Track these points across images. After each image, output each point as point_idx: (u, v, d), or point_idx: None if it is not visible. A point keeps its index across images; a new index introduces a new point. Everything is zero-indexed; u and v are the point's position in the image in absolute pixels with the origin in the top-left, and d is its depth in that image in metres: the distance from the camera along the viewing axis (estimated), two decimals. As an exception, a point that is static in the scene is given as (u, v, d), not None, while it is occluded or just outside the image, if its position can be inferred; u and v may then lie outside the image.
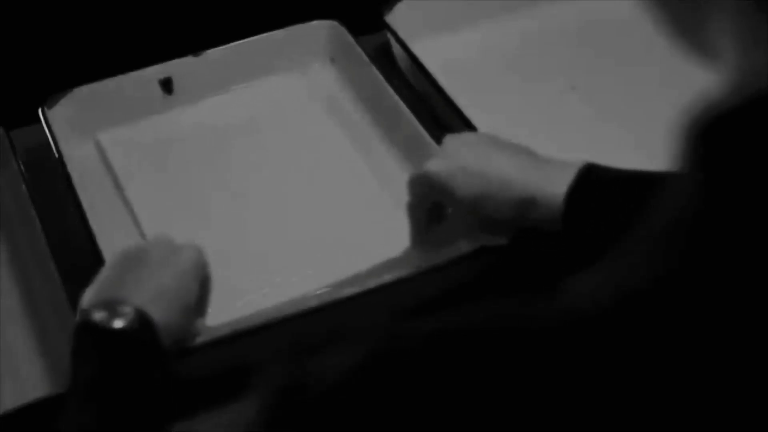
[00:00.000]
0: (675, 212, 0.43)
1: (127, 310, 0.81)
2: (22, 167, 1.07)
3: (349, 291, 0.96)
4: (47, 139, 1.09)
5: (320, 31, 1.23)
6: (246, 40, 1.22)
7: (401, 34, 1.21)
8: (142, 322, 0.81)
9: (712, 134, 0.42)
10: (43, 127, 1.10)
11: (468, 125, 1.11)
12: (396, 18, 1.22)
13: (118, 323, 0.80)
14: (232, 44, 1.22)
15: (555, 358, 0.42)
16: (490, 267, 1.02)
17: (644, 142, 1.04)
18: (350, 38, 1.21)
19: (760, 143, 0.41)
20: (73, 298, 0.93)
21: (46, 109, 1.12)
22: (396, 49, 1.23)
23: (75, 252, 1.02)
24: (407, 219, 0.98)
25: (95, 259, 0.97)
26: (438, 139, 1.09)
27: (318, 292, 0.98)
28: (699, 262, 0.41)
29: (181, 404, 0.93)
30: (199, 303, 0.90)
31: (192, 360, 0.93)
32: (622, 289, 0.43)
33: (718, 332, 0.41)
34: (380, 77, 1.16)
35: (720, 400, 0.40)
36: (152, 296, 0.83)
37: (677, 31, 0.49)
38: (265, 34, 1.23)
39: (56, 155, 1.07)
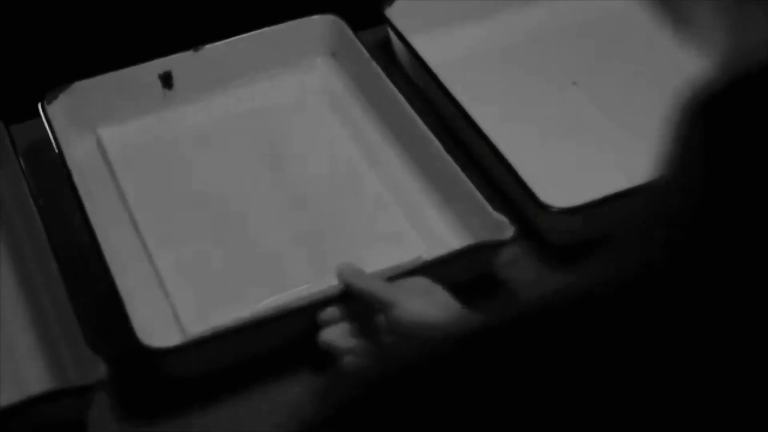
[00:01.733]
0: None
1: None
2: (21, 162, 1.07)
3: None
4: (47, 133, 1.09)
5: (320, 25, 1.23)
6: (246, 34, 1.22)
7: (401, 28, 1.21)
8: None
9: (705, 114, 0.43)
10: (42, 122, 1.10)
11: (468, 120, 1.11)
12: (396, 13, 1.22)
13: None
14: (232, 39, 1.21)
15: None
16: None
17: (646, 137, 1.04)
18: (350, 33, 1.21)
19: (754, 120, 0.41)
20: (73, 292, 0.94)
21: (45, 103, 1.11)
22: (396, 43, 1.23)
23: (75, 246, 1.03)
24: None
25: (95, 254, 0.97)
26: (438, 134, 1.09)
27: (317, 288, 0.98)
28: (702, 244, 0.41)
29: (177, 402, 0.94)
30: None
31: (192, 357, 0.93)
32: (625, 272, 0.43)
33: (713, 322, 0.41)
34: (380, 72, 1.16)
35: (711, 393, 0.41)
36: None
37: (670, 19, 0.49)
38: (265, 29, 1.22)
39: (56, 150, 1.07)
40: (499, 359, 0.43)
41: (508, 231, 0.99)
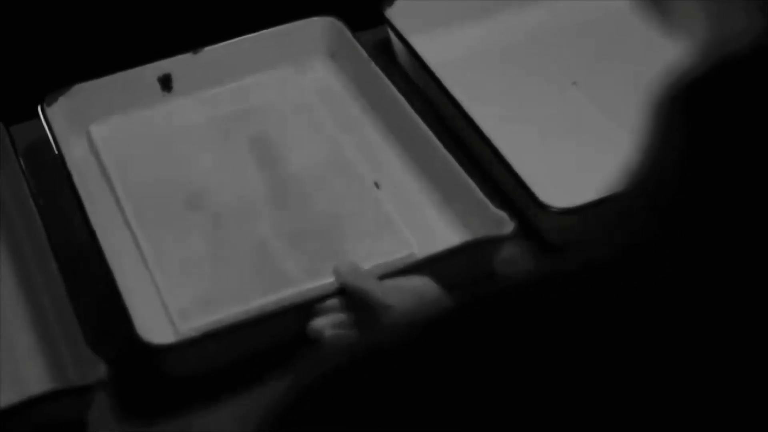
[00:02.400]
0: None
1: None
2: (21, 162, 1.07)
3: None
4: (47, 134, 1.09)
5: (319, 27, 1.23)
6: (245, 36, 1.22)
7: (401, 29, 1.21)
8: None
9: (686, 100, 0.43)
10: (42, 123, 1.10)
11: (468, 120, 1.11)
12: (396, 13, 1.22)
13: None
14: (231, 41, 1.22)
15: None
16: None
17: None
18: (349, 34, 1.21)
19: (734, 105, 0.41)
20: (73, 291, 0.94)
21: (45, 105, 1.11)
22: (396, 44, 1.23)
23: (74, 246, 1.03)
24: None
25: (95, 254, 0.97)
26: (438, 134, 1.09)
27: (315, 285, 0.98)
28: (683, 227, 0.41)
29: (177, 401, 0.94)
30: None
31: (191, 355, 0.93)
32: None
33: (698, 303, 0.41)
34: (380, 72, 1.16)
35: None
36: None
37: (655, 13, 0.50)
38: (264, 31, 1.23)
39: (56, 151, 1.07)
40: (462, 340, 0.43)
41: (508, 227, 0.99)
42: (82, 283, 0.99)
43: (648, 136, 0.44)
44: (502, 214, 1.00)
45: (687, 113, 0.43)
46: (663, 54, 1.23)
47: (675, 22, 0.48)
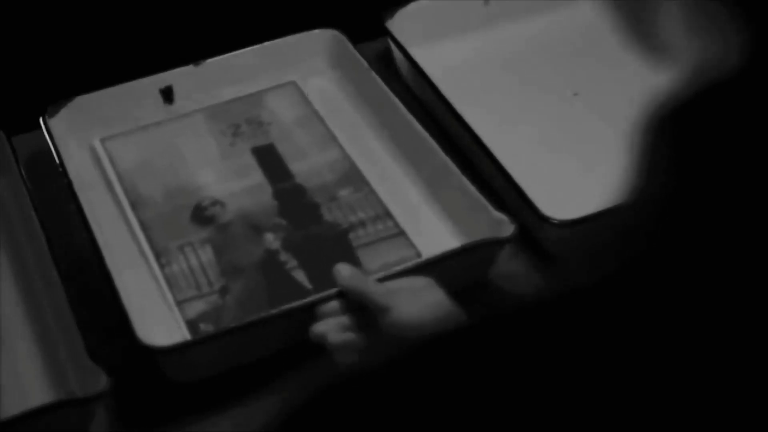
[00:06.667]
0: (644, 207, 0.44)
1: None
2: (23, 172, 1.07)
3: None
4: (48, 145, 1.09)
5: (321, 39, 1.24)
6: (247, 48, 1.23)
7: (402, 40, 1.21)
8: None
9: (673, 123, 0.43)
10: (44, 133, 1.10)
11: (468, 131, 1.11)
12: (397, 25, 1.23)
13: None
14: (232, 53, 1.22)
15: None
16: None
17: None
18: (350, 46, 1.22)
19: (720, 130, 0.42)
20: (74, 300, 0.94)
21: (47, 116, 1.12)
22: (397, 55, 1.23)
23: (76, 257, 1.03)
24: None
25: (96, 264, 0.97)
26: (439, 144, 1.09)
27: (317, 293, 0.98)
28: (673, 244, 0.42)
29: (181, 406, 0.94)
30: None
31: (193, 358, 0.93)
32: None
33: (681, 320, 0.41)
34: (381, 84, 1.16)
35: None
36: None
37: (632, 31, 0.50)
38: (265, 43, 1.23)
39: (57, 161, 1.07)
40: (466, 357, 0.44)
41: (508, 229, 0.99)
42: (84, 292, 0.99)
43: (638, 156, 0.45)
44: (503, 217, 1.00)
45: (674, 135, 0.43)
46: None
47: (658, 48, 0.49)
